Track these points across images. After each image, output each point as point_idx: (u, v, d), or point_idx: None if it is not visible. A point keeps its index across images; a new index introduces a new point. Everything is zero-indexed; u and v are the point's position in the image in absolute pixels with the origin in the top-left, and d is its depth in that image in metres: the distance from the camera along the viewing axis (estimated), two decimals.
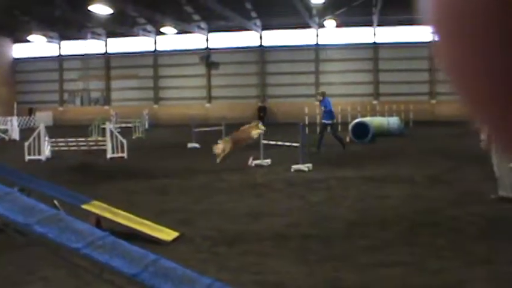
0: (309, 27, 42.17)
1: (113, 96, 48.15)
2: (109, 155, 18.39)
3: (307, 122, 25.55)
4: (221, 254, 6.88)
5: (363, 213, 9.19)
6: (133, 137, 27.37)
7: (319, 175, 13.48)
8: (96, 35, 45.99)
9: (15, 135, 29.24)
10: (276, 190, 11.70)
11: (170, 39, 45.35)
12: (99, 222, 7.44)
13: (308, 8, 37.10)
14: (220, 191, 11.57)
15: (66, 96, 49.53)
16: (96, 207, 7.83)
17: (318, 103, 19.31)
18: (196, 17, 42.80)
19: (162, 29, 40.73)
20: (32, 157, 17.86)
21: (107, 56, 47.92)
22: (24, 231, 4.89)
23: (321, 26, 41.39)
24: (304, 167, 14.43)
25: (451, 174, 13.20)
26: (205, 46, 45.84)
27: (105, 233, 5.07)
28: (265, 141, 15.92)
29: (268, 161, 15.66)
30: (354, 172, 13.86)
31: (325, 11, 37.47)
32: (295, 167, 14.40)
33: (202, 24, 44.33)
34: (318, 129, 19.19)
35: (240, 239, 7.57)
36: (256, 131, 15.82)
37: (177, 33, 41.83)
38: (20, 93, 48.45)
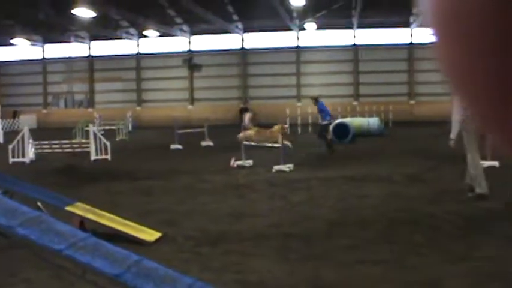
0: (290, 29, 42.35)
1: (97, 99, 47.95)
2: (93, 157, 18.39)
3: (288, 123, 25.71)
4: (204, 254, 6.94)
5: (343, 212, 9.29)
6: (117, 139, 27.29)
7: (300, 175, 13.56)
8: (79, 38, 45.77)
9: None
10: (258, 191, 11.78)
11: (153, 42, 45.31)
12: (83, 223, 7.47)
13: (289, 10, 37.24)
14: (203, 192, 11.63)
15: (50, 99, 49.22)
16: (79, 209, 7.86)
17: (315, 106, 19.31)
18: (178, 20, 42.75)
19: (145, 32, 40.65)
20: (16, 160, 17.80)
21: (90, 59, 47.73)
22: (6, 233, 4.89)
23: (302, 28, 41.64)
24: (286, 167, 14.53)
25: (429, 173, 13.37)
26: (188, 49, 45.84)
27: (87, 234, 5.09)
28: (247, 143, 16.02)
29: (250, 162, 15.74)
30: (335, 172, 13.96)
31: (305, 14, 37.65)
32: (276, 167, 14.49)
33: (185, 27, 44.32)
34: (317, 132, 19.15)
35: (223, 239, 7.63)
36: (279, 133, 16.01)
37: (160, 36, 41.78)
38: (4, 96, 48.10)
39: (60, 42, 46.32)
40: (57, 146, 19.40)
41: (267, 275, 6.13)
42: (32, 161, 17.99)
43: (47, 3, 33.35)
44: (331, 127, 19.03)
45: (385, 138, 24.68)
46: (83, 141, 21.23)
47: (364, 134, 24.45)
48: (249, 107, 43.46)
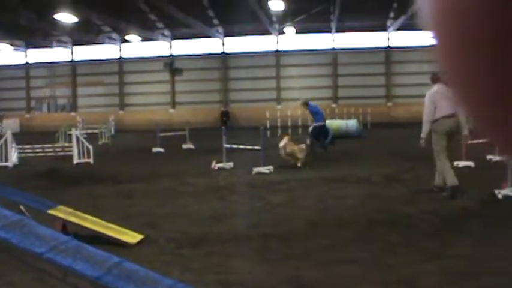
0: (270, 34, 42.48)
1: (79, 103, 47.66)
2: (75, 160, 18.35)
3: (268, 126, 25.86)
4: (185, 256, 6.98)
5: (322, 213, 9.38)
6: (100, 143, 27.14)
7: (280, 177, 13.63)
8: (62, 43, 45.50)
9: None
10: (238, 192, 11.82)
11: (135, 47, 45.13)
12: (65, 226, 7.51)
13: (268, 15, 37.40)
14: (184, 195, 11.66)
15: (33, 103, 48.81)
16: (62, 212, 7.89)
17: (306, 111, 19.28)
18: (160, 24, 42.68)
19: (126, 37, 40.52)
20: None
21: (73, 64, 47.44)
22: None
23: (281, 32, 41.82)
24: (265, 169, 14.63)
25: (406, 174, 13.53)
26: (169, 53, 45.74)
27: (69, 237, 5.12)
28: (228, 145, 16.10)
29: (231, 164, 15.79)
30: (314, 173, 14.04)
31: (284, 18, 37.84)
32: (256, 169, 14.57)
33: (166, 32, 44.25)
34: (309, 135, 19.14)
35: (204, 241, 7.67)
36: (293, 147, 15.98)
37: (142, 40, 41.69)
38: None
39: (43, 47, 46.05)
40: (40, 150, 19.34)
41: (247, 275, 6.19)
42: (15, 165, 17.86)
43: (28, 8, 33.11)
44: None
45: (363, 140, 24.86)
46: (66, 145, 21.14)
47: (342, 136, 24.54)
48: (230, 110, 43.63)
